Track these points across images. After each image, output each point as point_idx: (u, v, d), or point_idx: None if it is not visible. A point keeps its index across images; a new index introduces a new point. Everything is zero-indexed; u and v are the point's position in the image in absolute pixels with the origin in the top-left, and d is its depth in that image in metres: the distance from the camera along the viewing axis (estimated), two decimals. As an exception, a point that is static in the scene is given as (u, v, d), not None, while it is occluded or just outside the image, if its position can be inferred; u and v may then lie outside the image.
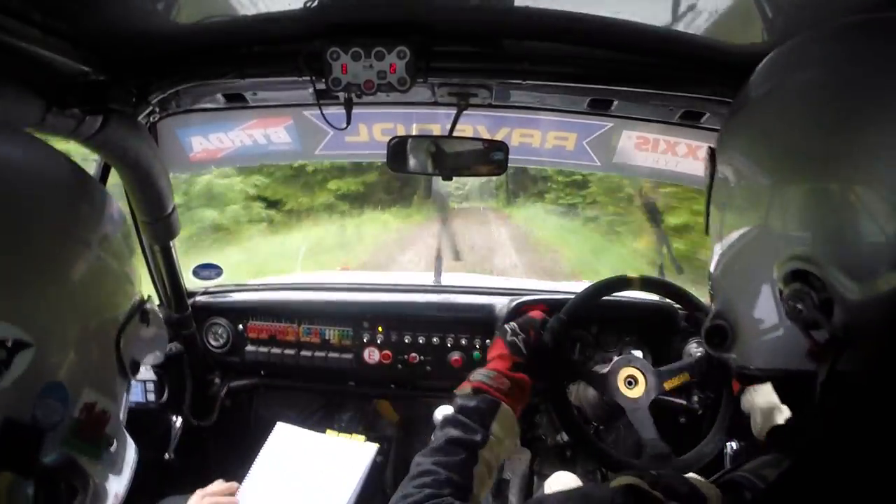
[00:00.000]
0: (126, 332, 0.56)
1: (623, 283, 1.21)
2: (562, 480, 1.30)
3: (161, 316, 0.65)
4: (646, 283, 1.22)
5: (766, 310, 0.51)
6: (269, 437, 1.42)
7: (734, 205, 0.57)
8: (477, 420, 0.77)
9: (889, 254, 0.41)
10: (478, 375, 0.86)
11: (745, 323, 0.55)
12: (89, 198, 0.56)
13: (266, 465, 1.36)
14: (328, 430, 1.46)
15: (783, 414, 1.01)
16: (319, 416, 1.89)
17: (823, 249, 0.45)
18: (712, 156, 0.62)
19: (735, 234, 0.56)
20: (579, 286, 1.45)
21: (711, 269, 0.62)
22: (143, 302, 0.60)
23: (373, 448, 1.38)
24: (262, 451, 1.39)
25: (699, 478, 0.64)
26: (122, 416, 0.58)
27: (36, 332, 0.45)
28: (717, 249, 0.60)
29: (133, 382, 0.60)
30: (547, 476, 1.39)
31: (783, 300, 0.47)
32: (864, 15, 0.50)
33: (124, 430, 0.58)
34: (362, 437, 1.42)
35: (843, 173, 0.44)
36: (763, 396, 1.06)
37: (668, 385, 1.13)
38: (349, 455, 1.36)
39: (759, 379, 0.57)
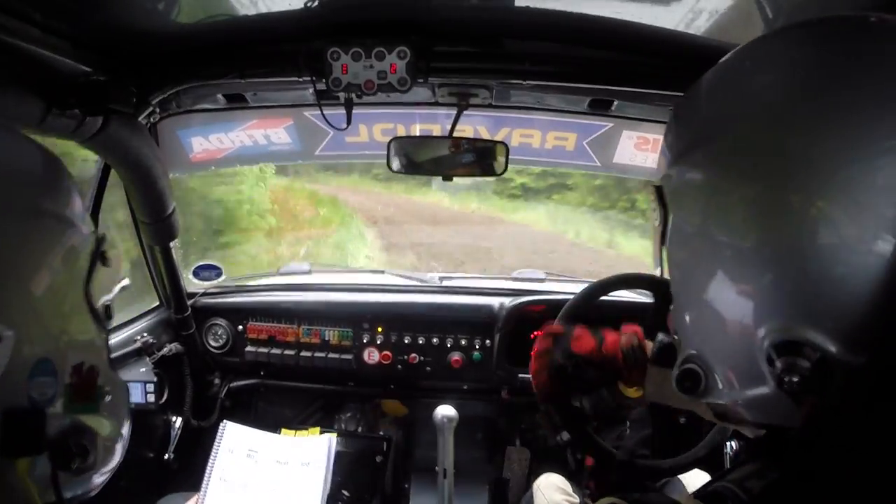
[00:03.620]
0: (92, 282, 0.56)
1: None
2: (550, 481, 1.32)
3: (112, 245, 0.63)
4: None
5: (751, 371, 0.45)
6: (221, 438, 1.33)
7: (699, 258, 0.49)
8: None
9: (878, 317, 0.39)
10: None
11: (723, 376, 0.49)
12: (54, 183, 0.54)
13: (224, 471, 1.28)
14: (283, 430, 1.39)
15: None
16: (319, 416, 1.88)
17: (812, 318, 0.41)
18: (660, 194, 0.55)
19: (706, 287, 0.48)
20: (579, 286, 1.45)
21: (675, 310, 0.54)
22: (99, 244, 0.58)
23: (331, 438, 1.32)
24: (217, 456, 1.30)
25: (688, 490, 0.64)
26: (108, 364, 0.59)
27: (10, 321, 0.45)
28: (682, 295, 0.53)
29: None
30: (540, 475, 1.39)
31: (774, 371, 0.43)
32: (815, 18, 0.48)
33: (113, 375, 0.60)
34: (317, 430, 1.38)
35: (822, 231, 0.41)
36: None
37: None
38: (309, 451, 1.30)
39: (738, 423, 0.54)
